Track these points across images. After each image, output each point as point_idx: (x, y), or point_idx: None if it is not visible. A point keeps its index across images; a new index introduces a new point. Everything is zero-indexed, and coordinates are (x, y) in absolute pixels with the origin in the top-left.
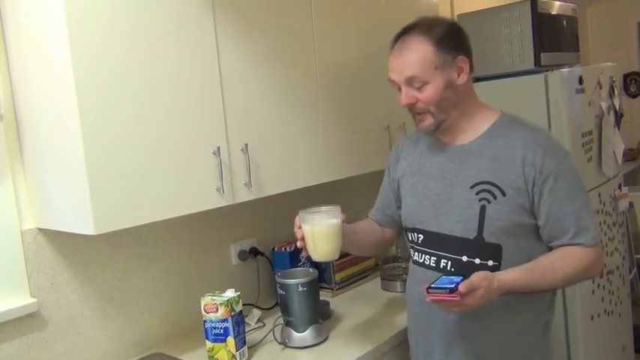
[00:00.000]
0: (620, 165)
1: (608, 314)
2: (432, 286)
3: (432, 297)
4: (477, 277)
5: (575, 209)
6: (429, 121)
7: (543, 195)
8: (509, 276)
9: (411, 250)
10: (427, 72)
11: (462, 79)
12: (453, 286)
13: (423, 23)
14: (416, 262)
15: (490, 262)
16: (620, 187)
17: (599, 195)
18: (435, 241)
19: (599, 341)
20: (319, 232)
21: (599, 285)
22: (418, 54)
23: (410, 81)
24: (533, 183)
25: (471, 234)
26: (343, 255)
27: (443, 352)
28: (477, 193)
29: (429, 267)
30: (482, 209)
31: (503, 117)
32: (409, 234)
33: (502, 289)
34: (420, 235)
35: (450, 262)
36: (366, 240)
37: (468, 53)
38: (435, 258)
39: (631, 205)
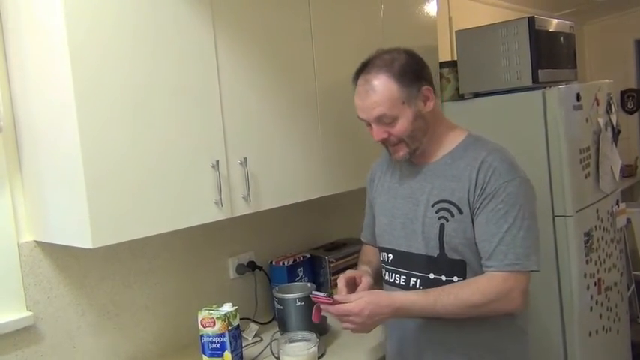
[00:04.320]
0: (618, 181)
1: (606, 331)
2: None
3: (313, 297)
4: (357, 292)
5: (501, 231)
6: (403, 151)
7: (477, 212)
8: (404, 294)
9: (383, 270)
10: (395, 108)
11: (429, 106)
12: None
13: (382, 59)
14: (387, 282)
15: (455, 278)
16: (617, 204)
17: (597, 211)
18: (403, 260)
19: (597, 358)
20: None
21: (597, 301)
22: (383, 93)
23: (379, 119)
24: (476, 200)
25: (435, 252)
26: (340, 269)
27: None
28: (437, 212)
29: (399, 286)
30: (442, 227)
31: (469, 137)
32: (381, 253)
33: (394, 305)
34: (390, 255)
35: (418, 280)
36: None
37: (429, 80)
38: (404, 277)
39: (628, 221)
